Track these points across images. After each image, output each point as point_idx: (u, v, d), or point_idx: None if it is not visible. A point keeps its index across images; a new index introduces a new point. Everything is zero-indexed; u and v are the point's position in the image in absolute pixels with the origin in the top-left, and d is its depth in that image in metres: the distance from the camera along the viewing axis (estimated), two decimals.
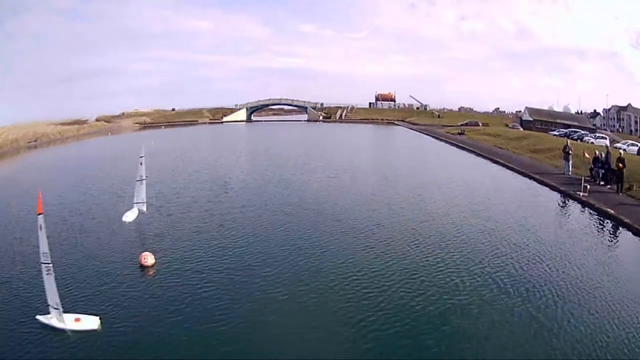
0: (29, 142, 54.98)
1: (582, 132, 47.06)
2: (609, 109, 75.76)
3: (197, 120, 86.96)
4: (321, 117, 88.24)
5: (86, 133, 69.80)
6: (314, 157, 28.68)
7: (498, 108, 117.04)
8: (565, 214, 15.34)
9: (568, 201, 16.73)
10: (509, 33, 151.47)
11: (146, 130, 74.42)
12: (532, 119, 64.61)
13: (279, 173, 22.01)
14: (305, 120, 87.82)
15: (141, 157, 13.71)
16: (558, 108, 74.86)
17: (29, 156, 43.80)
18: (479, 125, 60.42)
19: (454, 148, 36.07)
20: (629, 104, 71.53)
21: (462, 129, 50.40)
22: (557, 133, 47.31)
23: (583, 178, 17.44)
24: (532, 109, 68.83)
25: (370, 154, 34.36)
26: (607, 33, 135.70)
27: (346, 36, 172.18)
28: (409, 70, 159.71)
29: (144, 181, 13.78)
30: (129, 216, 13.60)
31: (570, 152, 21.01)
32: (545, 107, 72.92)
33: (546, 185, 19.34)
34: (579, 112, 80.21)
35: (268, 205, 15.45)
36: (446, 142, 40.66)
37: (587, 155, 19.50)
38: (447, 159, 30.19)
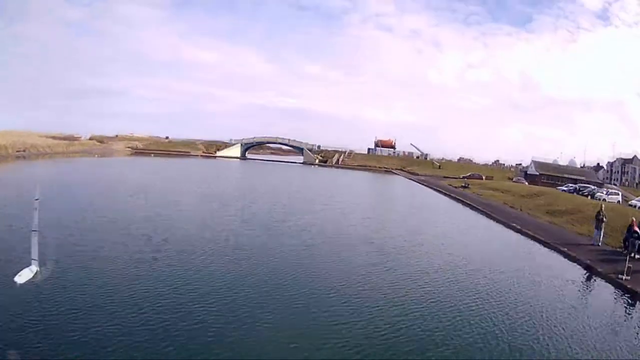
0: (17, 152, 53.11)
1: (592, 187, 44.55)
2: (614, 162, 73.49)
3: (189, 152, 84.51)
4: (317, 161, 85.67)
5: (76, 151, 67.62)
6: (296, 209, 24.08)
7: (498, 160, 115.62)
8: (613, 313, 11.08)
9: (608, 289, 12.75)
10: (514, 83, 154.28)
11: (136, 156, 71.47)
12: (538, 173, 61.63)
13: (241, 232, 16.57)
14: (300, 163, 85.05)
15: (36, 199, 9.90)
16: (563, 161, 72.71)
17: (11, 166, 40.46)
18: (482, 179, 58.15)
19: (461, 206, 31.78)
20: (635, 156, 69.36)
21: (465, 182, 47.78)
22: (565, 189, 44.29)
23: (628, 257, 13.96)
24: (538, 162, 65.90)
25: (366, 213, 27.43)
26: (612, 82, 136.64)
27: (351, 79, 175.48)
28: (410, 117, 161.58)
29: (37, 232, 9.89)
30: (24, 276, 9.67)
31: (605, 219, 17.42)
32: (547, 159, 70.39)
33: (578, 262, 15.41)
34: (583, 165, 78.07)
35: (207, 289, 9.97)
36: (450, 197, 36.57)
37: (637, 228, 15.72)
38: (456, 221, 25.05)
